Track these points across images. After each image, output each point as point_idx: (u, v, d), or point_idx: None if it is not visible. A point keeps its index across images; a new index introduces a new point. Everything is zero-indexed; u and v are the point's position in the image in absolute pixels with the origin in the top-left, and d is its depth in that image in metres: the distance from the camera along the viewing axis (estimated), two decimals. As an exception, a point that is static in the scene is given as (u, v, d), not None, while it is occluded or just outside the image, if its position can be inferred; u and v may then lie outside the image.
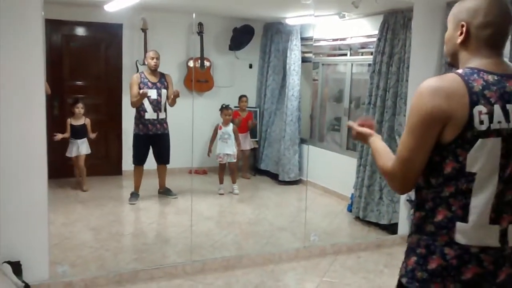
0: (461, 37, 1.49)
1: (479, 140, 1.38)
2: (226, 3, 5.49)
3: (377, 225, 4.60)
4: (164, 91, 5.08)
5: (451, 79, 1.41)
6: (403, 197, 4.31)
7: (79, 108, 5.22)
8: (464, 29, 1.48)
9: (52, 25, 5.09)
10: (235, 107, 5.97)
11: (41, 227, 3.22)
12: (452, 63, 1.58)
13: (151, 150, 5.20)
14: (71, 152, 5.20)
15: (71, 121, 5.21)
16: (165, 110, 5.14)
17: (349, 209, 5.01)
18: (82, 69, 5.69)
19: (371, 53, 4.73)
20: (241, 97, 6.21)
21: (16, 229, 3.14)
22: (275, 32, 6.32)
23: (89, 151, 5.26)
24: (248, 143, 6.27)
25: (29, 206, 3.17)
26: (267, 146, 6.46)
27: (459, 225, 1.42)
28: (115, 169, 5.84)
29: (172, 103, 5.08)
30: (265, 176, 6.42)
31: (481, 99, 1.38)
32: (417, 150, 1.42)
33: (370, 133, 1.74)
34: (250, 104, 6.44)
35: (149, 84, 5.03)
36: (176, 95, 4.98)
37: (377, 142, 1.68)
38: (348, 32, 5.46)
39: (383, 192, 4.53)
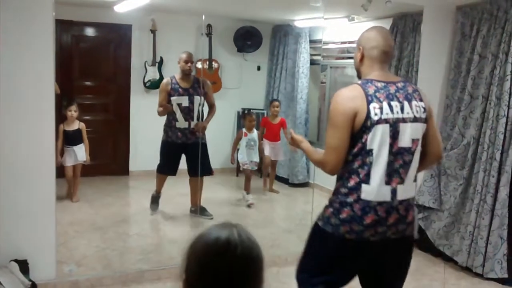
0: (360, 57, 2.18)
1: (374, 126, 1.99)
2: (235, 5, 5.49)
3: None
4: (197, 98, 4.57)
5: (354, 88, 2.06)
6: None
7: (72, 112, 4.74)
8: (361, 51, 2.17)
9: (62, 26, 5.12)
10: (245, 109, 5.93)
11: (48, 226, 3.24)
12: (358, 76, 2.21)
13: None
14: (67, 161, 4.79)
15: (64, 126, 4.73)
16: (198, 119, 4.61)
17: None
18: (91, 69, 5.72)
19: (380, 57, 4.72)
20: (272, 101, 5.73)
21: (24, 227, 3.16)
22: (283, 34, 6.31)
23: (85, 158, 4.87)
24: (281, 153, 5.71)
25: (37, 205, 3.19)
26: (274, 149, 6.44)
27: (364, 186, 2.02)
28: (122, 169, 5.87)
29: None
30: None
31: (374, 99, 2.01)
32: (342, 138, 2.01)
33: (302, 139, 2.34)
34: (258, 106, 6.43)
35: (180, 90, 4.55)
36: (203, 130, 4.61)
37: (309, 145, 2.31)
38: (357, 35, 5.42)
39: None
